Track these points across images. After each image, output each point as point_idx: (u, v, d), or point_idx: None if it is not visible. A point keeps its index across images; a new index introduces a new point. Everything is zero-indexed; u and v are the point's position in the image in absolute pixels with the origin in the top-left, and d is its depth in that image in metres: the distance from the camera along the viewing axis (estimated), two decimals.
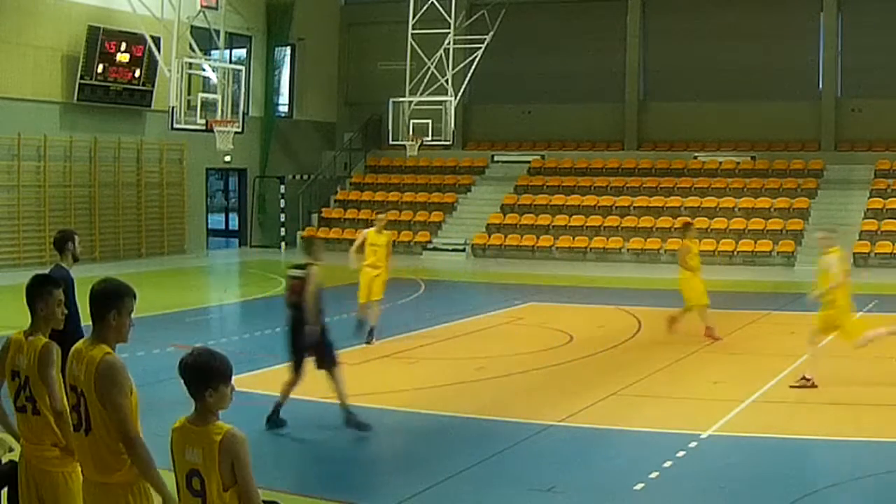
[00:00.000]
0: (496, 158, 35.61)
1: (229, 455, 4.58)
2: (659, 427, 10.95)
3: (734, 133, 33.33)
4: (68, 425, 5.42)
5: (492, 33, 30.85)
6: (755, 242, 29.39)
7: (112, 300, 5.30)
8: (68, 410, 5.31)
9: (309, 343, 10.51)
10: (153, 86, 28.21)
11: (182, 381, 4.69)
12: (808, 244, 28.80)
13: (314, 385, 13.16)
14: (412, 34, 30.43)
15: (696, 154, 33.47)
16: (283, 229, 34.03)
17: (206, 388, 4.64)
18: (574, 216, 31.75)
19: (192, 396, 4.68)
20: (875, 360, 14.31)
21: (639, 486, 8.72)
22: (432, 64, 30.80)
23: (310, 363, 10.66)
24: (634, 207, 31.66)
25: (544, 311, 20.33)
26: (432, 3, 30.22)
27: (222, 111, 23.46)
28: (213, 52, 25.66)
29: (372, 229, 16.55)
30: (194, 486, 4.63)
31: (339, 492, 8.41)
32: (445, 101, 30.51)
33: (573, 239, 30.99)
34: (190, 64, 22.98)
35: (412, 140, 30.96)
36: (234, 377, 4.77)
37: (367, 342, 15.57)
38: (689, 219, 21.09)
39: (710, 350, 15.42)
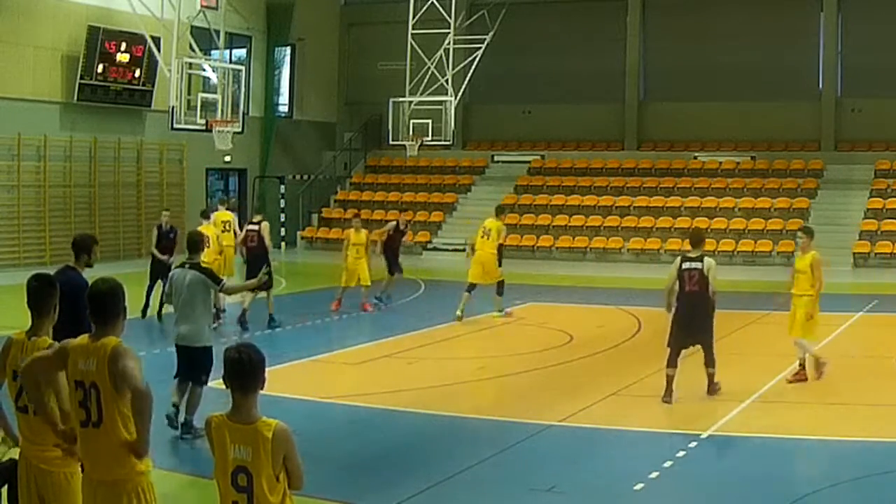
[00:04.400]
0: (496, 158, 35.61)
1: (282, 449, 4.75)
2: (659, 427, 10.95)
3: (734, 133, 33.32)
4: (74, 425, 5.41)
5: (492, 33, 30.84)
6: (755, 242, 29.38)
7: (122, 299, 5.37)
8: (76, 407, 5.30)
9: None
10: (153, 86, 28.21)
11: (231, 378, 4.78)
12: None
13: (314, 385, 13.18)
14: (412, 34, 30.42)
15: (696, 154, 33.47)
16: (283, 229, 34.01)
17: (260, 383, 4.80)
18: (574, 216, 31.75)
19: (244, 392, 4.78)
20: (874, 359, 14.33)
21: (639, 486, 8.72)
22: (432, 64, 30.79)
23: None
24: (634, 207, 31.65)
25: (544, 311, 20.33)
26: (432, 3, 30.21)
27: (222, 111, 23.45)
28: (213, 52, 25.65)
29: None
30: (240, 482, 4.74)
31: (339, 492, 8.40)
32: (445, 101, 30.49)
33: (573, 239, 30.99)
34: (190, 64, 22.97)
35: (412, 140, 30.93)
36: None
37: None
38: None
39: None
